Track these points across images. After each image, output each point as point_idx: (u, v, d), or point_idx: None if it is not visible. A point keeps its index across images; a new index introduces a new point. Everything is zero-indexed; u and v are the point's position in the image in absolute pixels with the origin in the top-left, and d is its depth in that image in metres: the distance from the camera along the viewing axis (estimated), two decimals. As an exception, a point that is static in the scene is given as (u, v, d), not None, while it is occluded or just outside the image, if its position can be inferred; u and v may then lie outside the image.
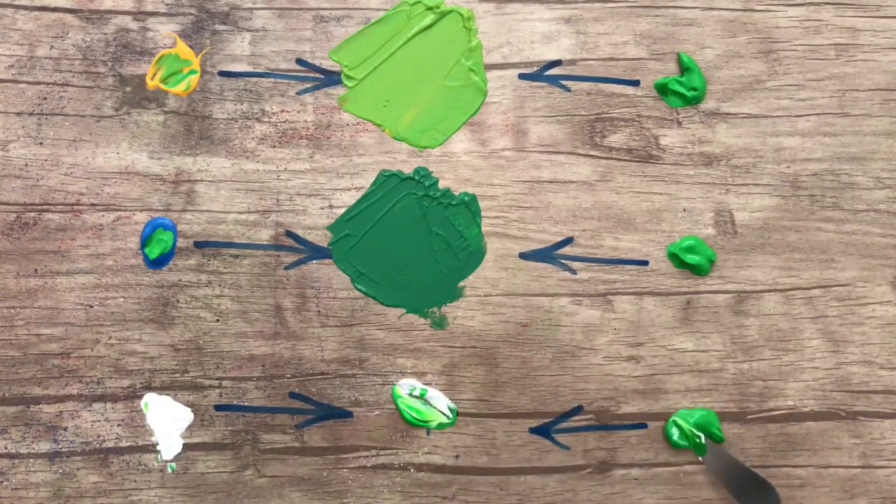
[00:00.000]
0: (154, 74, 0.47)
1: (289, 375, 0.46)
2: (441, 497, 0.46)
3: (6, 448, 0.45)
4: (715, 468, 0.46)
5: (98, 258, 0.46)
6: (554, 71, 0.48)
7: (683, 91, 0.47)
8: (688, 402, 0.47)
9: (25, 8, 0.47)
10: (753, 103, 0.48)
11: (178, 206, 0.46)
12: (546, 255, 0.47)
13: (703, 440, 0.45)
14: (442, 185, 0.47)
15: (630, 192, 0.47)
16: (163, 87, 0.47)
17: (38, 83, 0.47)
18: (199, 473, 0.46)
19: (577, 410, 0.46)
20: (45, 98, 0.46)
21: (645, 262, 0.47)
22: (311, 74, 0.47)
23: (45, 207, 0.46)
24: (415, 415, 0.46)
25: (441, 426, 0.46)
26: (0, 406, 0.46)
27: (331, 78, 0.47)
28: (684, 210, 0.47)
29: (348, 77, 0.47)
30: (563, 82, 0.48)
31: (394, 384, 0.46)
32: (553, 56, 0.48)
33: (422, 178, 0.47)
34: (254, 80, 0.47)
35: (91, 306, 0.46)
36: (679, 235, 0.47)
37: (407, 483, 0.46)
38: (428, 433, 0.46)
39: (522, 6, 0.48)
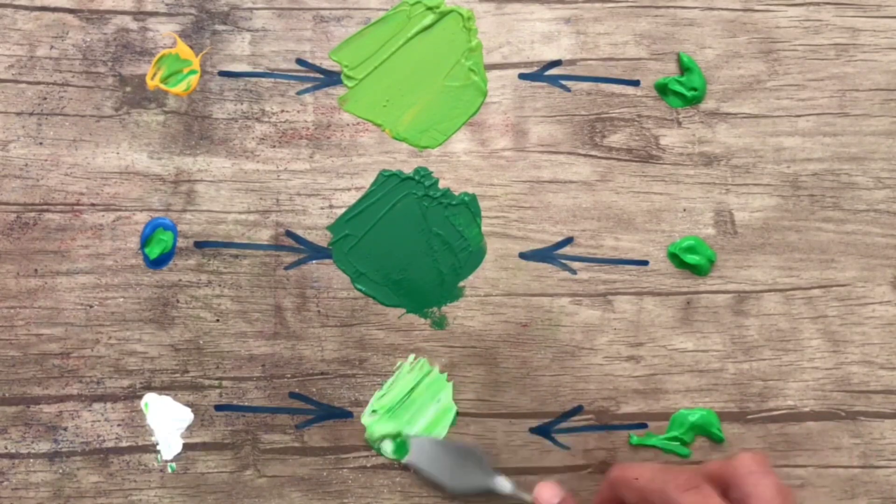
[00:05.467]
0: (154, 74, 0.47)
1: (289, 375, 0.46)
2: (441, 497, 0.46)
3: (6, 448, 0.45)
4: (420, 461, 0.44)
5: (98, 258, 0.46)
6: (554, 71, 0.48)
7: (683, 91, 0.47)
8: (688, 402, 0.47)
9: (25, 8, 0.47)
10: (753, 103, 0.48)
11: (178, 206, 0.46)
12: (546, 255, 0.47)
13: (403, 437, 0.45)
14: (442, 185, 0.47)
15: (630, 192, 0.47)
16: (163, 87, 0.47)
17: (38, 83, 0.47)
18: (199, 473, 0.46)
19: (577, 410, 0.47)
20: (45, 98, 0.46)
21: (645, 262, 0.47)
22: (311, 74, 0.47)
23: (45, 207, 0.46)
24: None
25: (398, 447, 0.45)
26: (0, 406, 0.46)
27: (331, 78, 0.47)
28: (684, 210, 0.47)
29: (348, 77, 0.47)
30: (563, 82, 0.48)
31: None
32: (553, 56, 0.48)
33: (422, 178, 0.47)
34: (254, 80, 0.47)
35: (91, 306, 0.46)
36: (679, 235, 0.47)
37: (407, 483, 0.46)
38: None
39: (522, 6, 0.48)
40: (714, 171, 0.47)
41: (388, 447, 0.45)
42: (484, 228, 0.47)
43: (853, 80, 0.48)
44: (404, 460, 0.45)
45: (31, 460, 0.45)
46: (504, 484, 0.43)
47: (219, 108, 0.47)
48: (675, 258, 0.47)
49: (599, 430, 0.46)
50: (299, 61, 0.47)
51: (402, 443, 0.45)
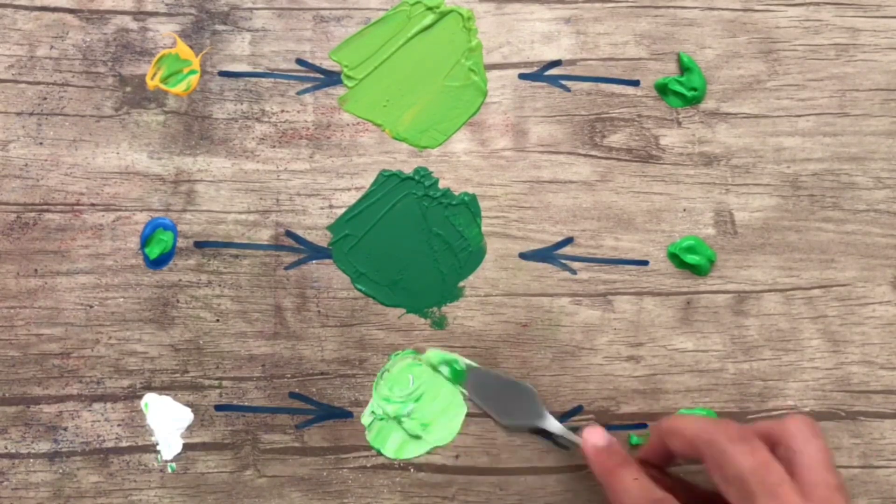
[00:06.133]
0: (154, 74, 0.47)
1: (289, 375, 0.46)
2: (441, 497, 0.46)
3: (6, 448, 0.45)
4: (476, 391, 0.46)
5: (98, 258, 0.46)
6: (554, 71, 0.48)
7: (683, 91, 0.47)
8: (688, 402, 0.47)
9: (25, 8, 0.47)
10: (753, 103, 0.48)
11: (178, 206, 0.46)
12: (546, 255, 0.47)
13: (460, 364, 0.46)
14: (442, 185, 0.47)
15: (630, 192, 0.47)
16: (163, 87, 0.47)
17: (38, 83, 0.47)
18: (199, 473, 0.46)
19: (577, 410, 0.47)
20: (45, 98, 0.46)
21: (645, 262, 0.47)
22: (311, 74, 0.47)
23: (45, 207, 0.46)
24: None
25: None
26: (0, 406, 0.46)
27: (331, 78, 0.47)
28: (684, 210, 0.47)
29: (348, 77, 0.47)
30: (563, 82, 0.48)
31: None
32: (553, 56, 0.48)
33: (422, 178, 0.47)
34: (254, 80, 0.47)
35: (91, 306, 0.46)
36: (679, 235, 0.47)
37: (407, 483, 0.46)
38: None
39: (522, 6, 0.48)
40: (714, 171, 0.47)
41: (445, 371, 0.46)
42: (484, 228, 0.47)
43: (853, 80, 0.48)
44: (460, 389, 0.46)
45: (31, 460, 0.45)
46: (554, 423, 0.44)
47: (219, 108, 0.47)
48: (675, 258, 0.47)
49: (599, 430, 0.46)
50: (299, 61, 0.47)
51: (459, 370, 0.45)
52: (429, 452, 0.46)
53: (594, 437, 0.42)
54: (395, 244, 0.47)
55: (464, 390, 0.46)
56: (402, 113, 0.47)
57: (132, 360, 0.46)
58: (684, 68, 0.47)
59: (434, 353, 0.46)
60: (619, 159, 0.47)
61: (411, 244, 0.47)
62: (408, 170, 0.47)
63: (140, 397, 0.46)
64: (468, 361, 0.46)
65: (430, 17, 0.47)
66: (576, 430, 0.44)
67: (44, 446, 0.45)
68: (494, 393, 0.45)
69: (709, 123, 0.48)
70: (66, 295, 0.46)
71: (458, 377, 0.46)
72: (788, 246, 0.47)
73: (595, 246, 0.47)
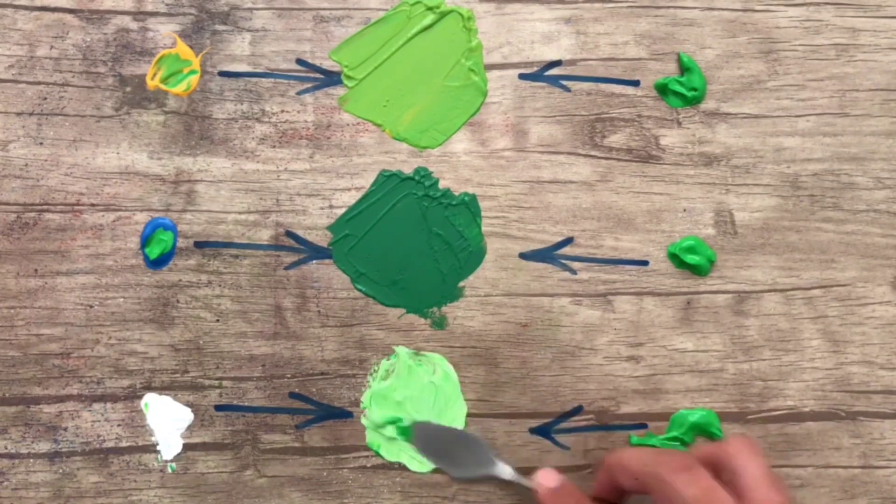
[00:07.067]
0: (154, 74, 0.47)
1: (289, 375, 0.46)
2: (441, 497, 0.46)
3: (6, 448, 0.45)
4: (424, 446, 0.45)
5: (98, 258, 0.46)
6: (554, 71, 0.48)
7: (683, 91, 0.47)
8: (688, 402, 0.47)
9: (25, 8, 0.47)
10: (753, 103, 0.48)
11: (178, 206, 0.46)
12: (546, 255, 0.47)
13: (405, 421, 0.45)
14: (442, 185, 0.47)
15: (630, 192, 0.47)
16: (163, 87, 0.47)
17: (38, 83, 0.47)
18: (199, 473, 0.46)
19: (577, 410, 0.47)
20: (45, 98, 0.46)
21: (645, 262, 0.47)
22: (311, 74, 0.47)
23: (45, 207, 0.46)
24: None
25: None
26: (0, 406, 0.46)
27: (331, 78, 0.47)
28: (684, 210, 0.47)
29: (348, 77, 0.47)
30: (563, 82, 0.48)
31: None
32: (553, 56, 0.48)
33: (422, 178, 0.47)
34: (254, 80, 0.47)
35: (91, 306, 0.46)
36: (679, 235, 0.47)
37: (407, 483, 0.46)
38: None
39: (522, 6, 0.48)
40: (714, 171, 0.47)
41: (390, 431, 0.45)
42: (484, 228, 0.47)
43: (853, 80, 0.48)
44: (411, 443, 0.45)
45: (31, 460, 0.45)
46: (505, 470, 0.43)
47: (219, 108, 0.47)
48: (675, 258, 0.47)
49: (599, 430, 0.46)
50: (299, 61, 0.47)
51: (404, 428, 0.45)
52: None
53: (547, 479, 0.42)
54: (395, 244, 0.47)
55: (412, 446, 0.45)
56: (402, 113, 0.47)
57: (132, 360, 0.46)
58: (684, 68, 0.47)
59: (378, 413, 0.46)
60: (619, 159, 0.47)
61: (411, 244, 0.47)
62: (408, 170, 0.47)
63: (140, 397, 0.46)
64: (413, 417, 0.45)
65: (430, 17, 0.47)
66: (529, 472, 0.43)
67: (44, 446, 0.45)
68: (443, 445, 0.44)
69: (709, 123, 0.48)
70: (66, 295, 0.46)
71: (404, 434, 0.45)
72: (788, 246, 0.47)
73: (595, 246, 0.47)
